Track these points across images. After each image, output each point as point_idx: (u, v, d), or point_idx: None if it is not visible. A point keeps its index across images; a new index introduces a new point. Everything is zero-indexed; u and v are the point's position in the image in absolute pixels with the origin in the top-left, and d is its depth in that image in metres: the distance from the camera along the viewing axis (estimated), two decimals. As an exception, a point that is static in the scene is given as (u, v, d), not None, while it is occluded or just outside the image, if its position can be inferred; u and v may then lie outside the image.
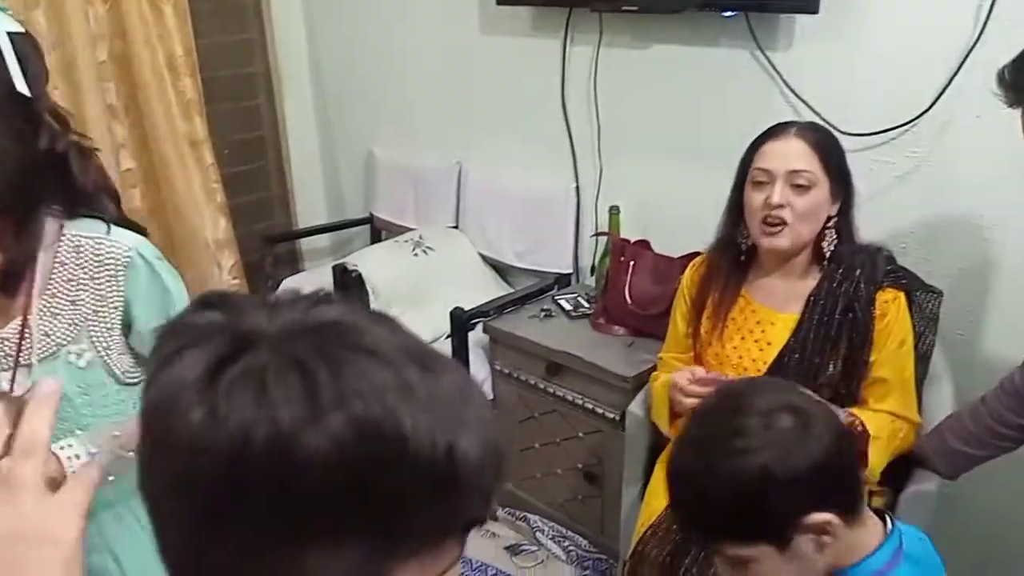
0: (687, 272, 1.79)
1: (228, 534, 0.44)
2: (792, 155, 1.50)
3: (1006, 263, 1.81)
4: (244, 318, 0.47)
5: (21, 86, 1.00)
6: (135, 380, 1.29)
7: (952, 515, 1.87)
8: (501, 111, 2.77)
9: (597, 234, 2.50)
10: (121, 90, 2.92)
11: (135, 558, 1.33)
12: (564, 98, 2.54)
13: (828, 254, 1.56)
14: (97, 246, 1.16)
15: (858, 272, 1.53)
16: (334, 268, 2.74)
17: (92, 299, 1.19)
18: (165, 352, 0.47)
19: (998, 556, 1.95)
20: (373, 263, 2.73)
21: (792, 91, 2.03)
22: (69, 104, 2.78)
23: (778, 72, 2.05)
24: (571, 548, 2.34)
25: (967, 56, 1.74)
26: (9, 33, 1.01)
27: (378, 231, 3.34)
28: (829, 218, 1.55)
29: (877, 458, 1.47)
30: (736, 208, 1.62)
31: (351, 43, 3.22)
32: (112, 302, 1.20)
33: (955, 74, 1.76)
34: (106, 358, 1.23)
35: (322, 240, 3.55)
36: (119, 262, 1.17)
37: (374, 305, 2.63)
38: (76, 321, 1.19)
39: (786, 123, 1.57)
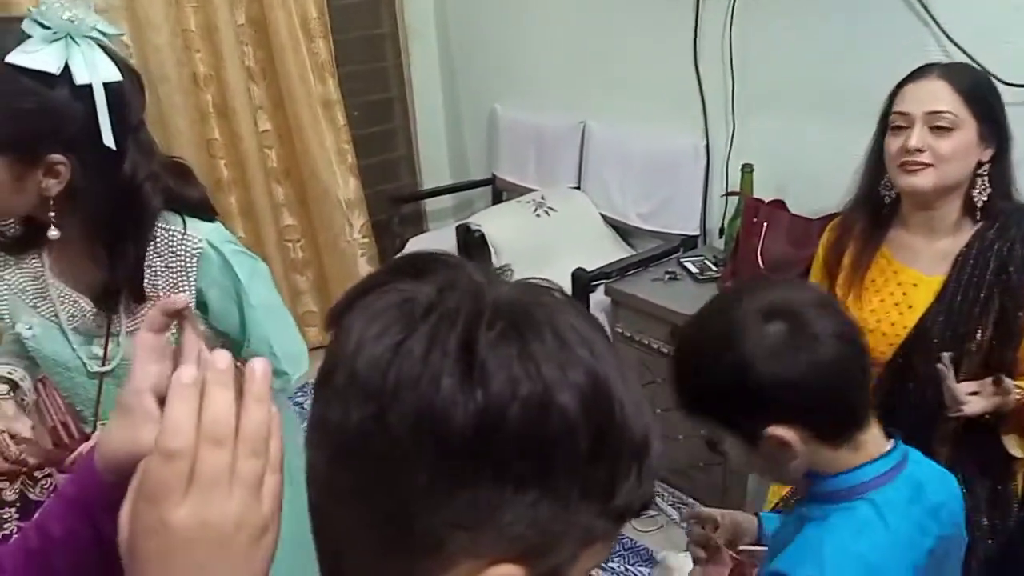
0: (825, 234, 1.69)
1: (469, 487, 0.45)
2: (931, 95, 1.39)
3: None
4: (466, 285, 0.48)
5: (108, 140, 1.03)
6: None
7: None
8: (627, 68, 2.70)
9: (728, 194, 2.41)
10: (258, 53, 3.03)
11: None
12: (696, 52, 2.44)
13: (980, 206, 1.43)
14: (171, 238, 1.21)
15: (1014, 230, 1.40)
16: (458, 228, 2.77)
17: (166, 285, 1.24)
18: (380, 327, 0.47)
19: None
20: (495, 223, 2.74)
21: (947, 35, 1.87)
22: (210, 68, 2.92)
23: (931, 14, 1.89)
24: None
25: None
26: (106, 84, 1.02)
27: (500, 192, 3.35)
28: (980, 164, 1.42)
29: None
30: (877, 158, 1.51)
31: (477, 1, 3.20)
32: (183, 288, 1.25)
33: None
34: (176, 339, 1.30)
35: (446, 201, 3.60)
36: (191, 253, 1.23)
37: (496, 265, 2.64)
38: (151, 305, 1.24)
39: (931, 64, 1.45)
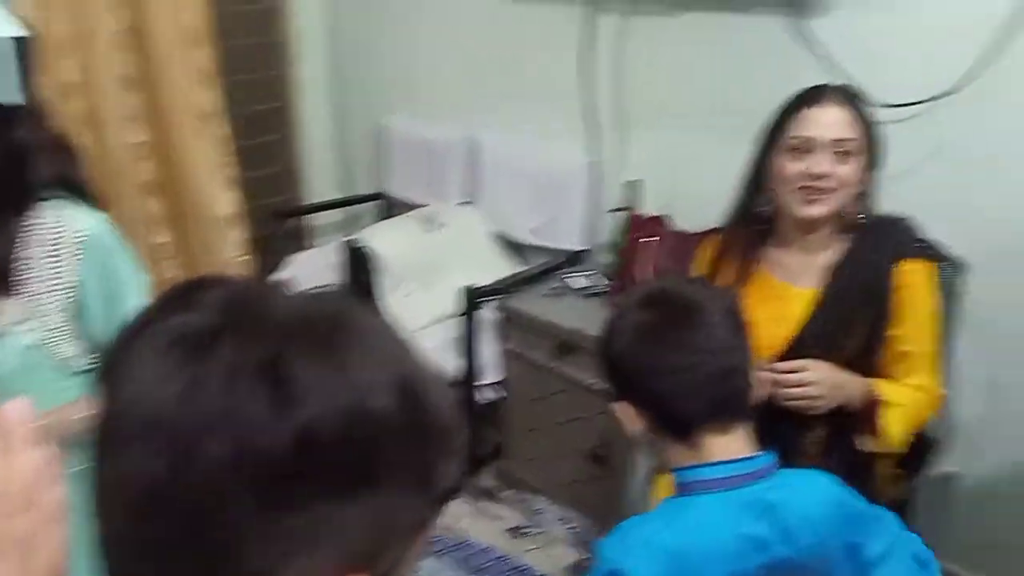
0: (700, 251, 1.70)
1: (293, 504, 0.43)
2: (837, 122, 1.41)
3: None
4: (249, 304, 0.46)
5: (16, 96, 0.97)
6: (77, 371, 1.25)
7: (971, 499, 1.80)
8: (518, 83, 2.70)
9: (615, 209, 2.42)
10: (136, 61, 2.87)
11: None
12: (585, 69, 2.45)
13: (847, 223, 1.48)
14: (54, 226, 1.15)
15: (880, 243, 1.46)
16: (343, 245, 2.68)
17: (48, 277, 1.17)
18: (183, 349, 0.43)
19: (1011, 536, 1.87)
20: (383, 240, 2.67)
21: (827, 60, 1.94)
22: (83, 75, 2.73)
23: (814, 40, 1.95)
24: (575, 529, 2.28)
25: (1007, 28, 1.64)
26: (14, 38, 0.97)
27: (389, 207, 3.28)
28: (860, 189, 1.47)
29: (897, 426, 1.40)
30: (757, 177, 1.53)
31: (368, 12, 3.14)
32: (66, 281, 1.18)
33: (995, 46, 1.67)
34: (51, 338, 1.21)
35: (332, 216, 3.49)
36: (74, 243, 1.16)
37: (384, 283, 2.57)
38: (28, 300, 1.17)
39: (819, 87, 1.47)
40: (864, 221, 1.49)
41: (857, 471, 1.46)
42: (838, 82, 1.86)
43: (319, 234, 3.53)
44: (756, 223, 1.56)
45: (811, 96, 1.45)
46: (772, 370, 1.37)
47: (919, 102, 1.80)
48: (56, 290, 1.18)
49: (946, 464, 1.47)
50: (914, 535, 1.10)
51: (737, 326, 1.06)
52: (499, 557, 2.15)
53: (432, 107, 3.03)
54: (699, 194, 2.20)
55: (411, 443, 0.46)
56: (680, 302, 1.06)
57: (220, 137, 2.98)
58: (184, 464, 0.41)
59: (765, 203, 1.53)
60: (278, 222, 3.11)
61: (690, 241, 2.17)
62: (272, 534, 0.42)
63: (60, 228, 1.15)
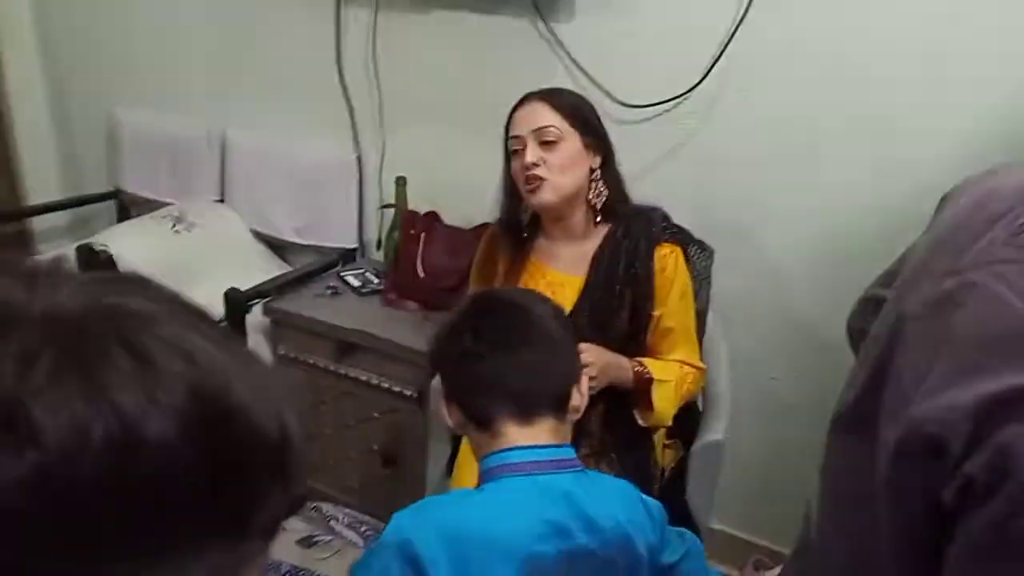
0: (481, 245, 1.78)
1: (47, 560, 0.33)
2: (535, 115, 1.55)
3: (769, 231, 1.98)
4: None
5: None
6: None
7: (739, 460, 2.04)
8: (270, 78, 2.57)
9: (384, 206, 2.41)
10: None
11: None
12: (340, 63, 2.40)
13: (600, 208, 1.61)
14: None
15: (636, 230, 1.60)
16: (78, 249, 2.40)
17: None
18: None
19: (771, 497, 2.15)
20: (125, 242, 2.44)
21: (574, 62, 2.07)
22: None
23: (560, 43, 2.07)
24: (368, 532, 2.26)
25: (734, 32, 1.86)
26: None
27: (126, 207, 2.99)
28: (592, 171, 1.60)
29: (666, 402, 1.54)
30: (509, 182, 1.65)
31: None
32: None
33: (723, 50, 1.88)
34: None
35: (59, 218, 3.11)
36: None
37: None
38: None
39: (532, 92, 1.61)
40: (620, 210, 1.63)
41: (636, 442, 1.60)
42: (586, 85, 2.04)
43: (44, 239, 3.13)
44: (519, 227, 1.67)
45: (520, 101, 1.60)
46: None
47: (660, 103, 1.98)
48: None
49: (712, 433, 1.64)
50: (698, 541, 1.21)
51: (557, 330, 1.12)
52: (289, 571, 2.07)
53: (171, 99, 2.80)
54: (463, 189, 2.27)
55: (214, 477, 0.37)
56: (496, 302, 1.17)
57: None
58: None
59: (524, 208, 1.65)
60: (-8, 226, 2.72)
61: (461, 235, 2.23)
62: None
63: None
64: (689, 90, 1.94)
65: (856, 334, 1.10)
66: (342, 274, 2.36)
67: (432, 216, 2.27)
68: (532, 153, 1.52)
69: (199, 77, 2.73)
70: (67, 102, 3.08)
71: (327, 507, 2.29)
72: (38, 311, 0.35)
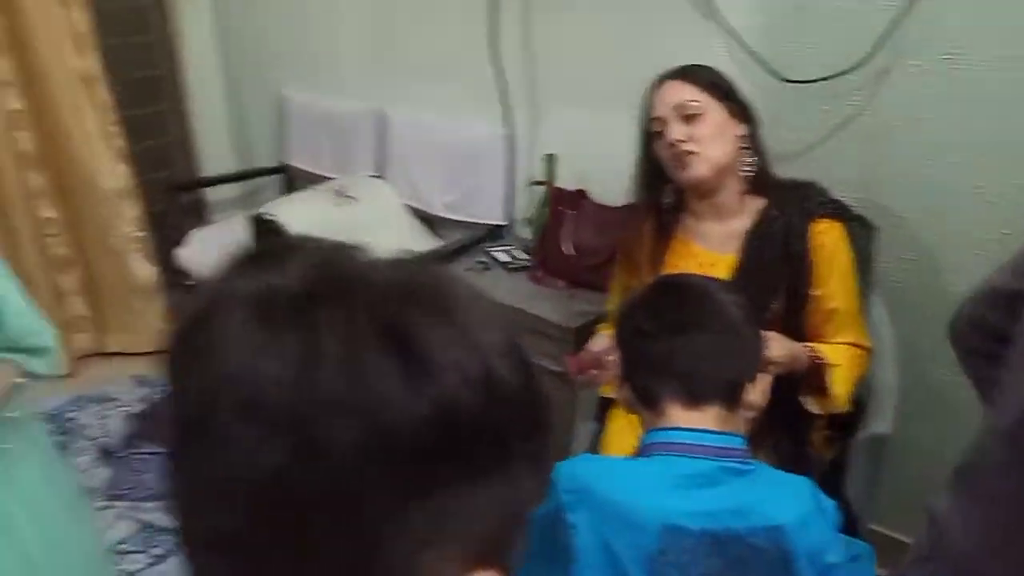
0: (624, 224, 1.78)
1: (430, 483, 0.39)
2: (673, 92, 1.53)
3: (944, 211, 1.86)
4: (345, 267, 0.42)
5: None
6: None
7: (902, 459, 1.94)
8: (427, 54, 2.65)
9: (533, 183, 2.44)
10: (3, 21, 2.63)
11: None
12: (495, 39, 2.44)
13: (752, 178, 1.56)
14: None
15: (791, 205, 1.54)
16: (250, 219, 2.58)
17: None
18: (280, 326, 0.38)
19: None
20: (292, 213, 2.59)
21: (732, 36, 2.01)
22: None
23: (719, 14, 2.02)
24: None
25: (910, 6, 1.75)
26: None
27: (292, 180, 3.18)
28: (741, 138, 1.55)
29: (840, 385, 1.48)
30: (648, 166, 1.62)
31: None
32: None
33: (894, 24, 1.77)
34: None
35: (230, 190, 3.35)
36: None
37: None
38: None
39: (663, 73, 1.59)
40: (772, 184, 1.57)
41: (796, 431, 1.56)
42: (744, 58, 1.97)
43: (218, 209, 3.38)
44: (660, 209, 1.65)
45: (656, 82, 1.58)
46: None
47: (825, 78, 1.90)
48: None
49: (876, 426, 1.57)
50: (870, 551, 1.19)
51: (739, 321, 1.10)
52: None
53: (335, 79, 2.94)
54: (613, 166, 2.24)
55: (530, 416, 0.42)
56: (678, 284, 1.17)
57: (103, 105, 2.80)
58: (308, 452, 0.35)
59: (667, 194, 1.63)
60: (173, 196, 2.96)
61: (610, 214, 2.23)
62: (402, 527, 0.38)
63: None
64: (856, 65, 1.85)
65: (970, 329, 1.03)
66: (490, 250, 2.42)
67: (581, 193, 2.28)
68: (676, 130, 1.50)
69: (360, 58, 2.85)
70: (240, 83, 3.29)
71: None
72: (385, 276, 0.41)
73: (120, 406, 2.66)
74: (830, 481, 1.56)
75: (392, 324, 0.37)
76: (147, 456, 2.48)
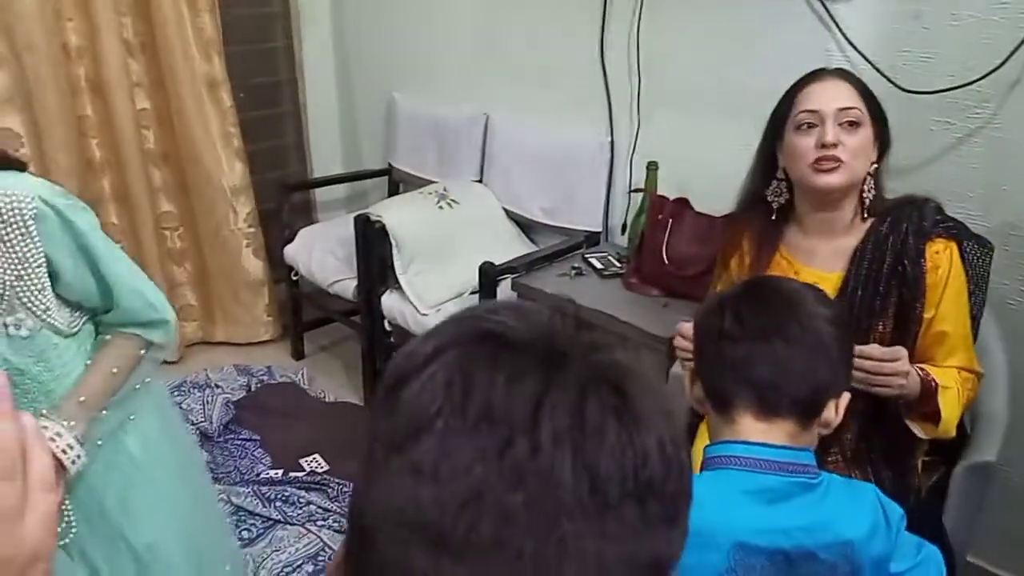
0: (726, 231, 1.72)
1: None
2: (839, 93, 1.45)
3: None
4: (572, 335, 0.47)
5: None
6: (77, 329, 1.26)
7: (1007, 491, 1.82)
8: (532, 61, 2.67)
9: (633, 191, 2.42)
10: (138, 26, 2.81)
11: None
12: (603, 47, 2.44)
13: (868, 204, 1.49)
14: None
15: (905, 224, 1.46)
16: (356, 219, 2.65)
17: (11, 264, 1.12)
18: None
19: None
20: (396, 214, 2.64)
21: (849, 42, 1.94)
22: (84, 39, 2.68)
23: (834, 21, 1.95)
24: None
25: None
26: None
27: (396, 183, 3.25)
28: (872, 164, 1.48)
29: (951, 409, 1.40)
30: (768, 162, 1.55)
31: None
32: (34, 261, 1.13)
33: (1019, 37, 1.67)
34: (47, 319, 1.19)
35: (338, 191, 3.46)
36: (25, 216, 1.10)
37: (397, 257, 2.55)
38: (2, 293, 1.14)
39: (823, 69, 1.51)
40: (885, 203, 1.50)
41: (897, 456, 1.48)
42: (862, 68, 1.90)
43: (324, 209, 3.50)
44: (770, 211, 1.57)
45: (813, 76, 1.49)
46: (870, 356, 1.33)
47: (947, 89, 1.81)
48: (28, 271, 1.14)
49: (981, 454, 1.47)
50: (938, 558, 1.09)
51: (827, 333, 1.04)
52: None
53: (442, 84, 3.00)
54: (715, 176, 2.19)
55: (687, 485, 0.48)
56: (768, 288, 1.11)
57: (226, 107, 2.95)
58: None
59: (778, 192, 1.55)
60: (284, 195, 3.08)
61: (709, 223, 2.18)
62: (585, 553, 0.42)
63: (4, 203, 1.09)
64: (984, 75, 1.75)
65: None
66: (586, 256, 2.40)
67: (682, 202, 2.24)
68: (834, 133, 1.41)
69: (467, 64, 2.90)
70: (352, 88, 3.40)
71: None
72: (598, 350, 0.47)
73: (222, 393, 2.78)
74: (928, 509, 1.47)
75: (622, 389, 0.44)
76: (243, 442, 2.58)
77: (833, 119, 1.42)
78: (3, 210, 1.08)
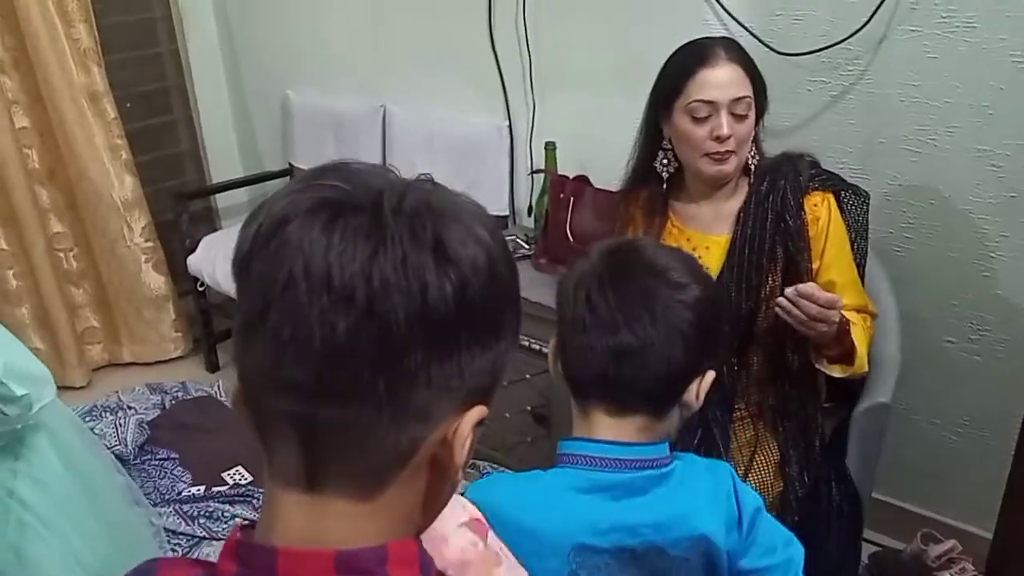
0: (617, 209, 1.75)
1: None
2: (732, 82, 1.44)
3: (942, 180, 1.83)
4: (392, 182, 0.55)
5: None
6: None
7: (901, 432, 1.91)
8: (423, 48, 2.66)
9: (534, 172, 2.43)
10: (8, 41, 2.68)
11: None
12: (492, 30, 2.44)
13: (753, 168, 1.53)
14: None
15: (783, 181, 1.50)
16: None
17: None
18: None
19: (940, 468, 2.01)
20: (298, 215, 2.60)
21: (727, 12, 1.99)
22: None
23: (712, -5, 2.00)
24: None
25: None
26: None
27: (299, 183, 3.19)
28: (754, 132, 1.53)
29: (862, 345, 1.44)
30: (654, 136, 1.57)
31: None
32: None
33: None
34: None
35: (239, 195, 3.37)
36: None
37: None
38: None
39: (707, 45, 1.49)
40: (761, 163, 1.54)
41: (803, 404, 1.53)
42: (740, 36, 1.95)
43: (227, 216, 3.41)
44: (659, 181, 1.60)
45: (702, 55, 1.46)
46: (815, 300, 1.31)
47: (820, 49, 1.87)
48: None
49: (877, 396, 1.54)
50: (800, 560, 1.04)
51: (688, 324, 0.95)
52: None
53: (336, 78, 2.95)
54: (612, 152, 2.21)
55: (514, 297, 0.57)
56: (632, 270, 0.98)
57: (110, 119, 2.84)
58: (365, 322, 0.48)
59: (665, 162, 1.57)
60: (182, 204, 2.98)
61: (609, 198, 2.20)
62: (431, 375, 0.51)
63: None
64: (852, 34, 1.82)
65: None
66: (494, 240, 2.41)
67: (581, 180, 2.26)
68: (728, 125, 1.42)
69: (359, 56, 2.86)
70: (243, 87, 3.32)
71: (484, 465, 2.37)
72: (417, 188, 0.54)
73: (135, 414, 2.69)
74: (831, 453, 1.54)
75: (438, 230, 0.50)
76: (161, 461, 2.50)
77: (727, 109, 1.43)
78: None
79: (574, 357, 0.99)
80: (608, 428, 0.98)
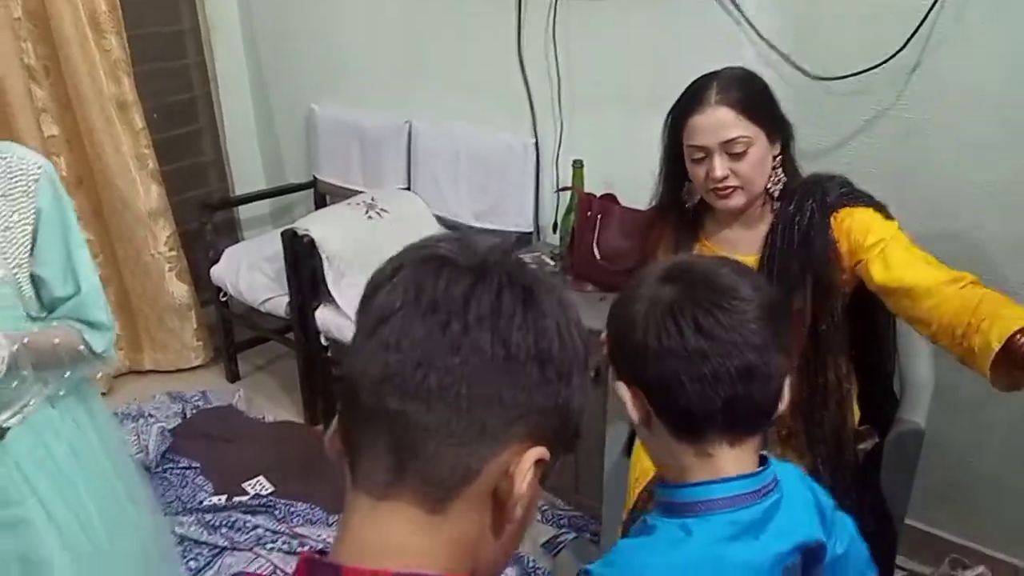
0: (646, 231, 1.75)
1: None
2: (719, 125, 1.44)
3: (973, 206, 1.83)
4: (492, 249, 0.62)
5: None
6: (38, 316, 1.32)
7: (937, 454, 1.89)
8: (452, 65, 2.68)
9: (560, 189, 2.44)
10: (40, 50, 2.71)
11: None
12: (520, 48, 2.46)
13: (776, 193, 1.53)
14: (8, 163, 1.22)
15: (810, 201, 1.49)
16: (283, 234, 2.61)
17: (4, 214, 1.22)
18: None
19: (973, 493, 2.00)
20: (324, 227, 2.61)
21: (758, 34, 2.00)
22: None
23: (743, 13, 2.02)
24: (546, 508, 2.31)
25: (930, 5, 1.73)
26: None
27: (322, 195, 3.21)
28: (774, 159, 1.52)
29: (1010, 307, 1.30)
30: (672, 173, 1.58)
31: (285, -3, 3.06)
32: (25, 216, 1.23)
33: (925, 18, 1.75)
34: (15, 276, 1.26)
35: (262, 207, 3.40)
36: (30, 176, 1.23)
37: (328, 270, 2.52)
38: None
39: (701, 87, 1.47)
40: (789, 187, 1.52)
41: (836, 429, 1.52)
42: (771, 58, 1.96)
43: (249, 226, 3.43)
44: (683, 213, 1.61)
45: (691, 101, 1.47)
46: None
47: (852, 74, 1.88)
48: (16, 225, 1.23)
49: (911, 420, 1.53)
50: (863, 542, 1.04)
51: (773, 324, 0.91)
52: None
53: (362, 92, 2.98)
54: (640, 170, 2.22)
55: (584, 360, 0.62)
56: (706, 280, 0.92)
57: (138, 128, 2.86)
58: (463, 337, 0.56)
59: (688, 192, 1.58)
60: (206, 214, 3.00)
61: (636, 217, 2.21)
62: (502, 398, 0.57)
63: (15, 162, 1.22)
64: (885, 60, 1.83)
65: None
66: (522, 255, 2.42)
67: (609, 198, 2.28)
68: (721, 167, 1.43)
69: (388, 72, 2.88)
70: (268, 99, 3.34)
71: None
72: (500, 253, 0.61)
73: (156, 422, 2.70)
74: (865, 476, 1.53)
75: (521, 281, 0.58)
76: (183, 470, 2.51)
77: (719, 151, 1.44)
78: (12, 168, 1.22)
79: (696, 389, 0.88)
80: (733, 462, 0.91)
